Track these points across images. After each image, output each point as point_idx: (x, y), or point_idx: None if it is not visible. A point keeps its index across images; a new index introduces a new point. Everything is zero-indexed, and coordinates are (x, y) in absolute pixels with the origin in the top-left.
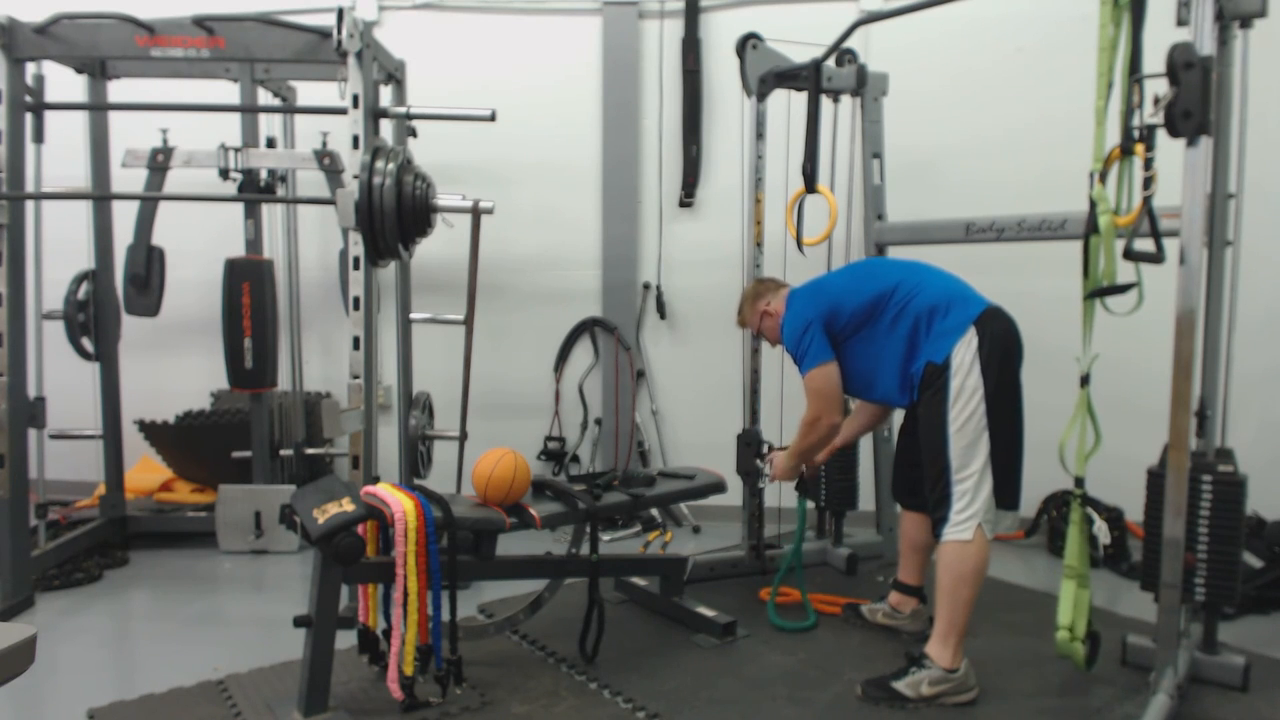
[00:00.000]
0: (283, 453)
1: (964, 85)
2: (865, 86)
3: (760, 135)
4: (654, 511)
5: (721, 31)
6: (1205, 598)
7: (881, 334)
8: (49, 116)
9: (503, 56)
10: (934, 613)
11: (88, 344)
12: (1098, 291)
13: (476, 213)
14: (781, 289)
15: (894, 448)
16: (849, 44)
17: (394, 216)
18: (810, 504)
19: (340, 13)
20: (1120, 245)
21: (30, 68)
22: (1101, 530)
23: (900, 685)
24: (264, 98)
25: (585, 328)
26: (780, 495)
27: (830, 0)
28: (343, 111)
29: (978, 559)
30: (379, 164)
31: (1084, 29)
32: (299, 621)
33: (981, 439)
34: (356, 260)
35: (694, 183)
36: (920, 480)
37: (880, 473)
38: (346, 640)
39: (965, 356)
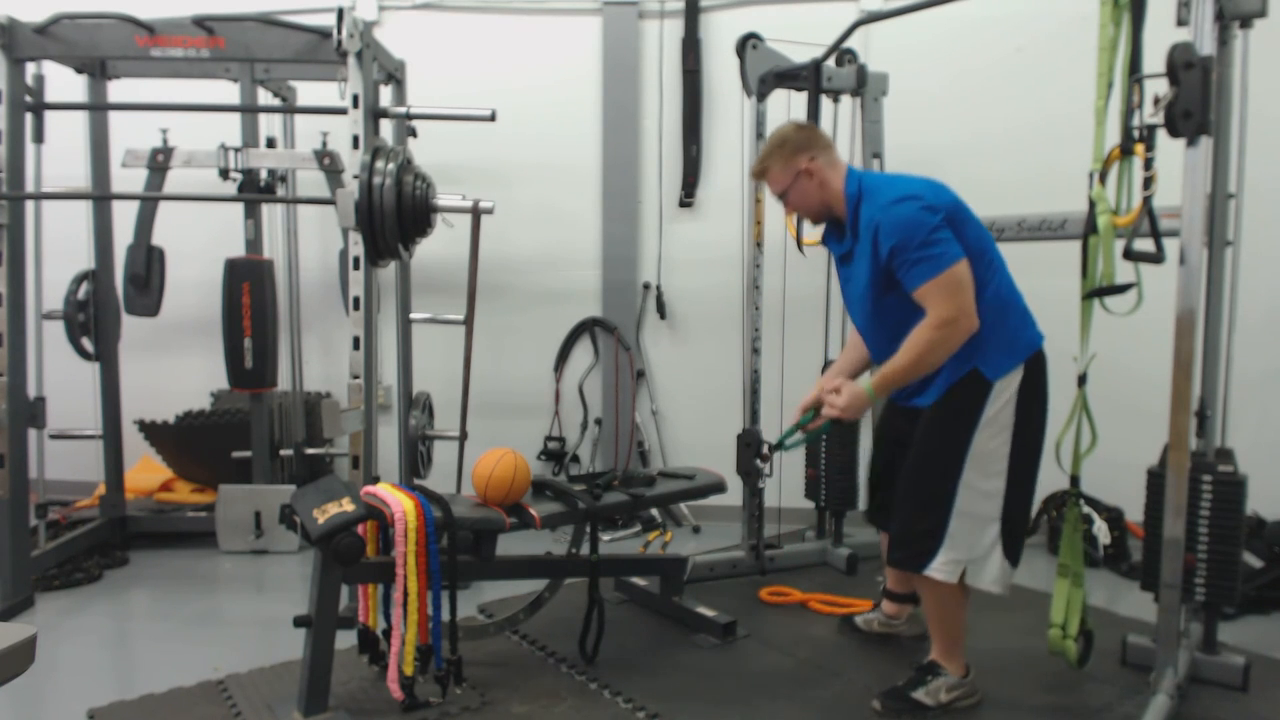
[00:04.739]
0: (283, 453)
1: (964, 85)
2: (865, 86)
3: (760, 135)
4: (654, 511)
5: (721, 31)
6: (1205, 598)
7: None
8: (49, 116)
9: (503, 56)
10: (930, 634)
11: (88, 344)
12: (1096, 291)
13: (476, 213)
14: (834, 155)
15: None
16: (849, 44)
17: (394, 216)
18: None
19: (340, 13)
20: (1120, 245)
21: (30, 68)
22: (1101, 530)
23: (920, 695)
24: (264, 98)
25: (585, 328)
26: (780, 495)
27: (830, 0)
28: (343, 111)
29: (960, 588)
30: (379, 164)
31: (1084, 29)
32: (299, 621)
33: (998, 480)
34: (356, 260)
35: (694, 183)
36: None
37: None
38: (346, 640)
39: (1011, 386)
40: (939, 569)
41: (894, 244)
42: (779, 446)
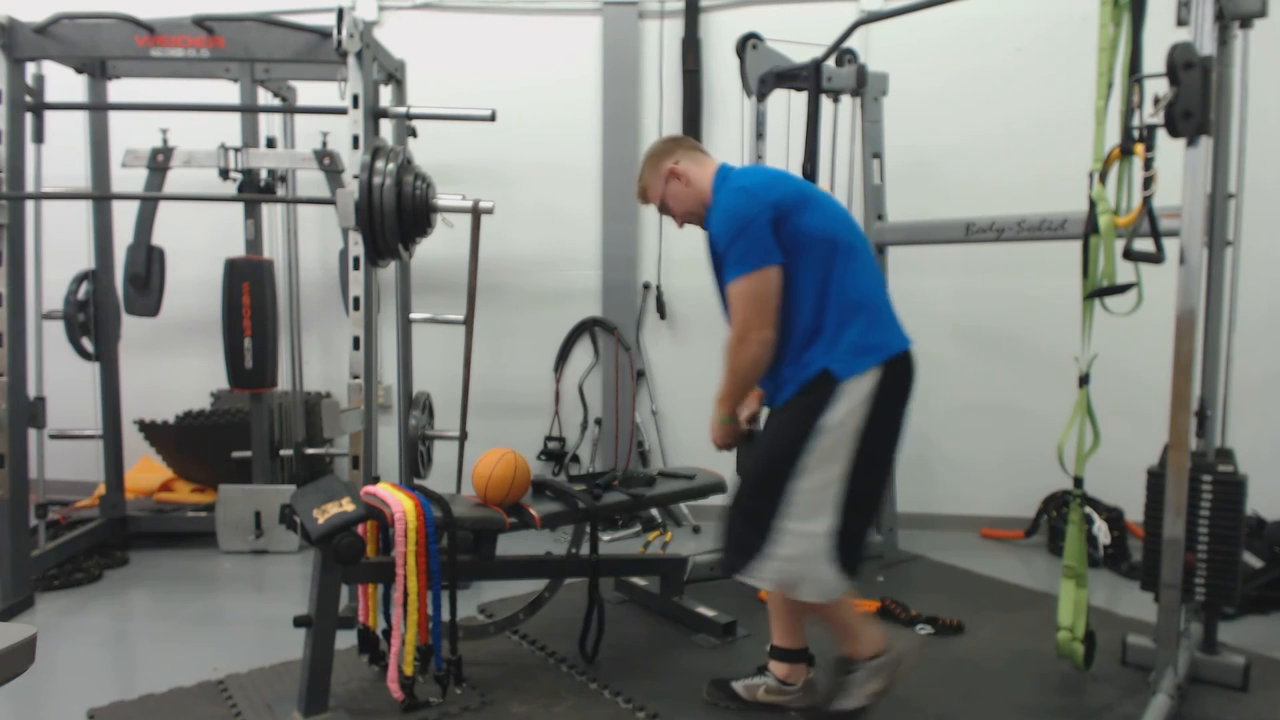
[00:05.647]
0: (283, 453)
1: (964, 85)
2: (865, 86)
3: (760, 135)
4: (654, 511)
5: (721, 31)
6: (1205, 598)
7: (807, 284)
8: (49, 116)
9: (503, 56)
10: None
11: (88, 344)
12: (1097, 291)
13: (476, 213)
14: (702, 155)
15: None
16: (849, 44)
17: (394, 216)
18: None
19: (340, 13)
20: (1120, 245)
21: (30, 68)
22: (1101, 530)
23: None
24: (264, 98)
25: (585, 328)
26: None
27: (830, 0)
28: (343, 111)
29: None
30: (379, 164)
31: (1084, 29)
32: (299, 621)
33: (834, 487)
34: (356, 260)
35: None
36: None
37: None
38: (346, 640)
39: (861, 389)
40: (762, 577)
41: (715, 233)
42: None
